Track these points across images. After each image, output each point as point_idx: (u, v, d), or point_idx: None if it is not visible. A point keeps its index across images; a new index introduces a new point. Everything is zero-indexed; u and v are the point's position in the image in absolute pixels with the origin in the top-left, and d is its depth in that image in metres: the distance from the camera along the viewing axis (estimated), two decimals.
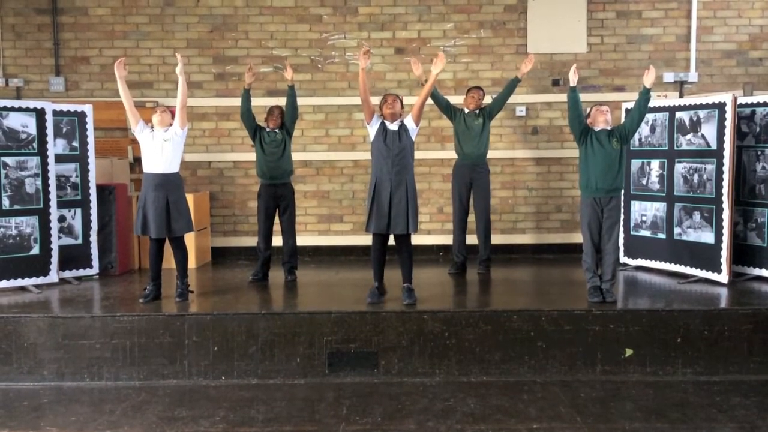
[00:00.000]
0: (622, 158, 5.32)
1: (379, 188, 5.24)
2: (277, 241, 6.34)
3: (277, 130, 6.21)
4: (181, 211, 5.40)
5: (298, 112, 6.38)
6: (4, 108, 5.90)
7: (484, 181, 6.55)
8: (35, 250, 6.00)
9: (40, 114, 6.05)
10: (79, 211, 6.44)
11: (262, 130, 6.24)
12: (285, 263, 6.31)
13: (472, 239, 6.73)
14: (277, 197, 6.22)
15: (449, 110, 6.54)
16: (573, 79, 5.43)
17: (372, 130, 5.36)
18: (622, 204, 6.58)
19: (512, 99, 7.65)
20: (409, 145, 5.31)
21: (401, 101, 5.41)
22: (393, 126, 5.30)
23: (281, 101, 7.68)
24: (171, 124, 5.42)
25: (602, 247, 5.34)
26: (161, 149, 5.34)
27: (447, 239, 7.70)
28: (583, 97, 7.57)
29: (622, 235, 6.66)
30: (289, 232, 6.26)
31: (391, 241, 5.38)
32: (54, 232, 6.09)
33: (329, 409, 4.41)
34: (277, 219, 6.30)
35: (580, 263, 5.54)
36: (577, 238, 6.67)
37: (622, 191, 5.49)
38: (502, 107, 6.65)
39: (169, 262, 5.62)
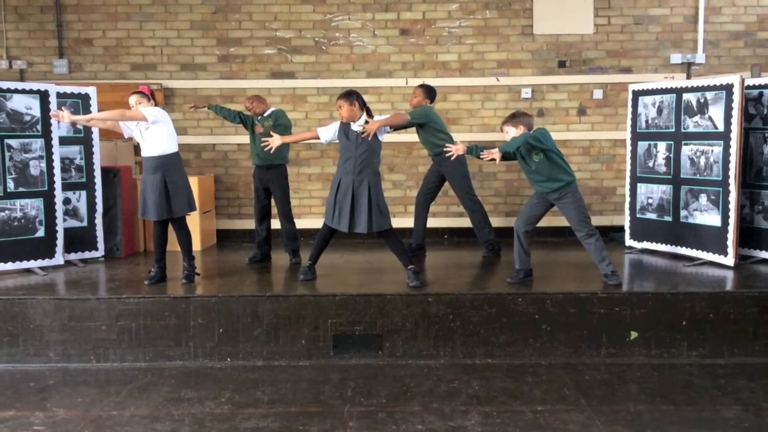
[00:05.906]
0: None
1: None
2: (277, 224, 6.35)
3: (265, 115, 6.17)
4: (179, 191, 5.37)
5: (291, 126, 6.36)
6: (8, 90, 5.88)
7: (451, 173, 6.44)
8: (40, 232, 6.01)
9: (43, 96, 6.03)
10: (83, 193, 6.44)
11: (251, 117, 6.23)
12: (285, 246, 6.32)
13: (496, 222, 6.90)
14: (265, 180, 6.21)
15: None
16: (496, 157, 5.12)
17: (333, 138, 5.39)
18: (628, 187, 6.62)
19: (517, 81, 7.67)
20: (375, 145, 5.28)
21: (351, 101, 5.26)
22: (355, 126, 5.28)
23: (284, 83, 7.71)
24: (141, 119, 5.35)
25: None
26: (141, 135, 5.34)
27: (452, 222, 7.72)
28: (590, 78, 7.65)
29: (627, 218, 6.65)
30: (283, 216, 6.24)
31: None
32: (59, 214, 6.10)
33: (334, 391, 4.42)
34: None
35: (584, 246, 5.51)
36: None
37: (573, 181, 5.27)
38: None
39: (174, 244, 5.61)
